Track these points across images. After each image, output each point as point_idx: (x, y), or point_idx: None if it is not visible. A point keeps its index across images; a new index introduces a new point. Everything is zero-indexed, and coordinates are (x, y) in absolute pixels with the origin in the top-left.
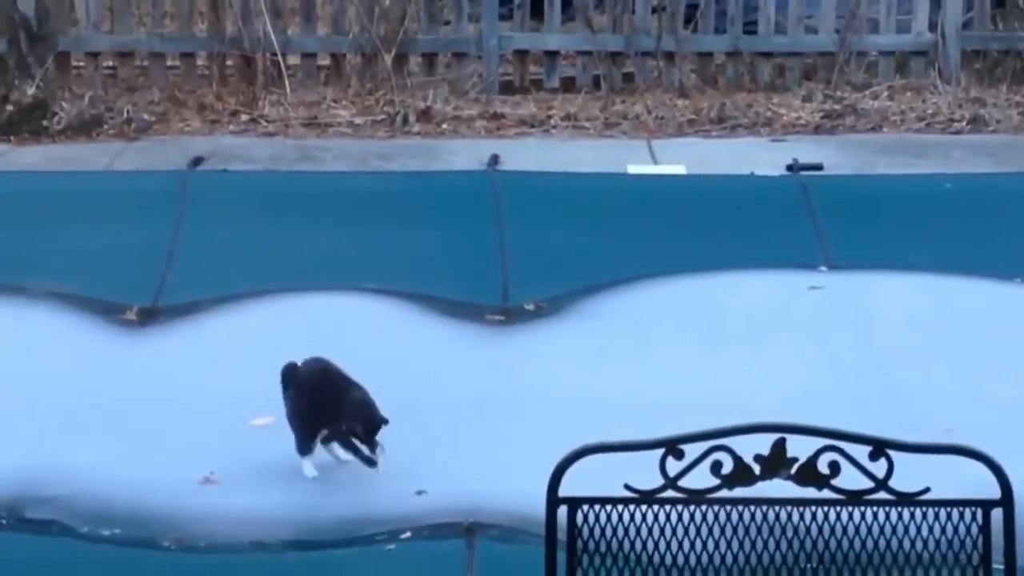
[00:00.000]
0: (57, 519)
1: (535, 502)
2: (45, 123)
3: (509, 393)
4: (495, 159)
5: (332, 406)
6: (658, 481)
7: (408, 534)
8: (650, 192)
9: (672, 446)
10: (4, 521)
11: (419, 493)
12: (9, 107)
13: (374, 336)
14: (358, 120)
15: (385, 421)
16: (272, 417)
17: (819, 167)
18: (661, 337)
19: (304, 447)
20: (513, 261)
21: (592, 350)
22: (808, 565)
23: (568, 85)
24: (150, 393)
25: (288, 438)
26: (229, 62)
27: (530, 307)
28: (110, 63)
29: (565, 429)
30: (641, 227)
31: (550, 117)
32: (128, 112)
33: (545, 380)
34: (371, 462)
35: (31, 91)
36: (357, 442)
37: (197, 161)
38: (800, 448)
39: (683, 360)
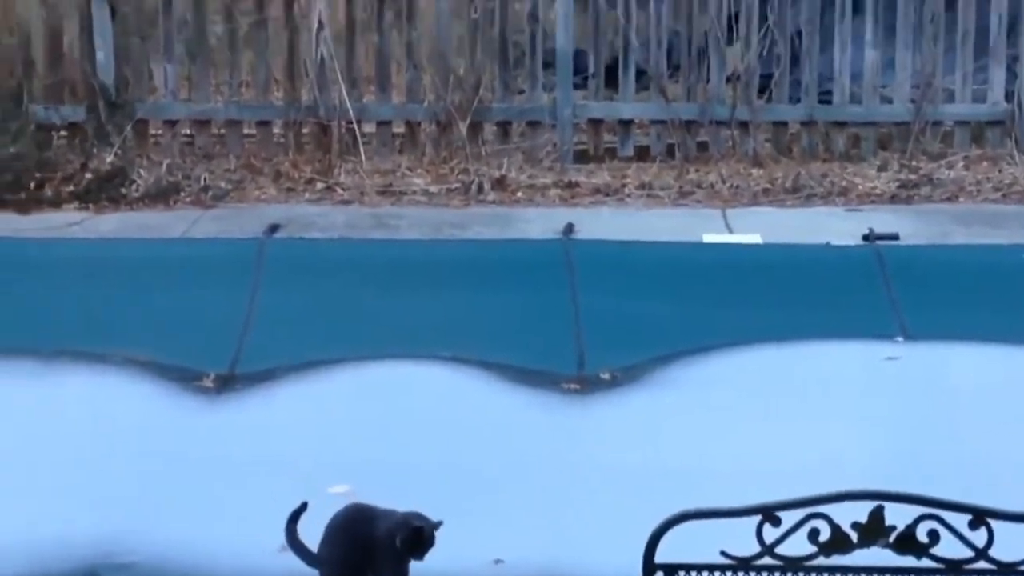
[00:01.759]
0: None
1: (614, 571)
2: (123, 190)
3: (587, 462)
4: (570, 228)
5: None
6: (752, 549)
7: None
8: (725, 261)
9: (769, 513)
10: None
11: (496, 562)
12: (88, 174)
13: (449, 404)
14: (433, 188)
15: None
16: (349, 486)
17: (895, 237)
18: (739, 407)
19: None
20: (588, 330)
21: (670, 419)
22: None
23: (642, 154)
24: (228, 459)
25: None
26: (305, 130)
27: (606, 376)
28: (187, 131)
29: (644, 499)
30: (717, 296)
31: (624, 186)
32: (205, 180)
33: (623, 449)
34: None
35: (109, 159)
36: None
37: (273, 228)
38: (897, 517)
39: (761, 430)
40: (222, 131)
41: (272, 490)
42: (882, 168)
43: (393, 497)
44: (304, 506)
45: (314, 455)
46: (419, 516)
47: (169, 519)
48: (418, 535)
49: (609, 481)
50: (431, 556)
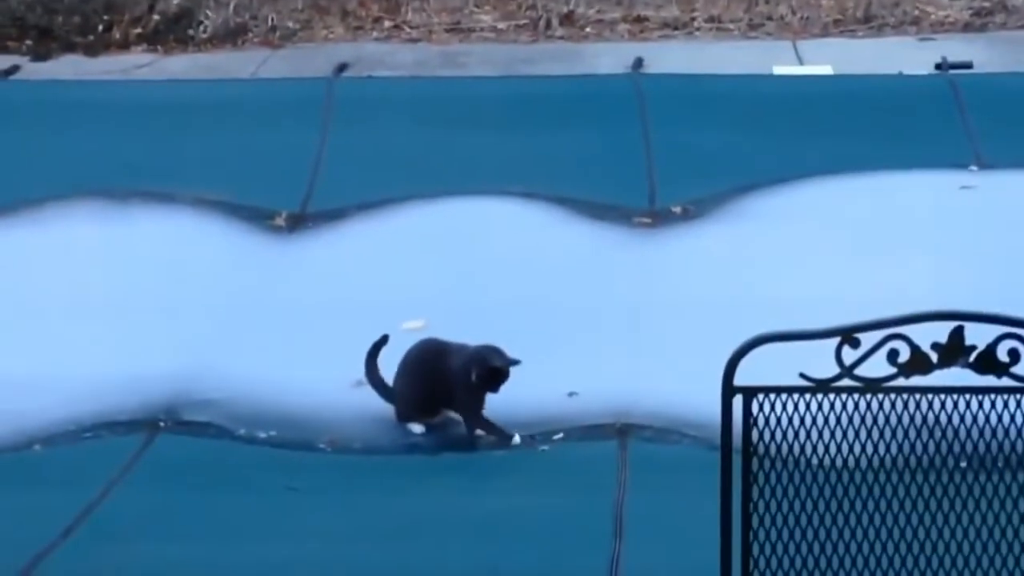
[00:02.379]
0: (213, 421)
1: (687, 403)
2: (191, 32)
3: (658, 295)
4: (639, 62)
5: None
6: (831, 371)
7: (560, 435)
8: (796, 93)
9: (848, 334)
10: (163, 423)
11: (570, 395)
12: (155, 16)
13: (521, 239)
14: (501, 25)
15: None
16: (423, 321)
17: (969, 65)
18: (811, 237)
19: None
20: (659, 164)
21: (741, 251)
22: (987, 454)
23: None
24: (302, 297)
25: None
26: None
27: (677, 209)
28: None
29: (718, 329)
30: (788, 129)
31: (694, 19)
32: (272, 20)
33: (694, 282)
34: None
35: (176, 0)
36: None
37: (342, 68)
38: (977, 337)
39: (833, 260)
40: None
41: (345, 327)
42: None
43: (467, 332)
44: (384, 339)
45: (387, 291)
46: (494, 351)
47: (244, 356)
48: (494, 372)
49: (682, 312)
50: (504, 391)
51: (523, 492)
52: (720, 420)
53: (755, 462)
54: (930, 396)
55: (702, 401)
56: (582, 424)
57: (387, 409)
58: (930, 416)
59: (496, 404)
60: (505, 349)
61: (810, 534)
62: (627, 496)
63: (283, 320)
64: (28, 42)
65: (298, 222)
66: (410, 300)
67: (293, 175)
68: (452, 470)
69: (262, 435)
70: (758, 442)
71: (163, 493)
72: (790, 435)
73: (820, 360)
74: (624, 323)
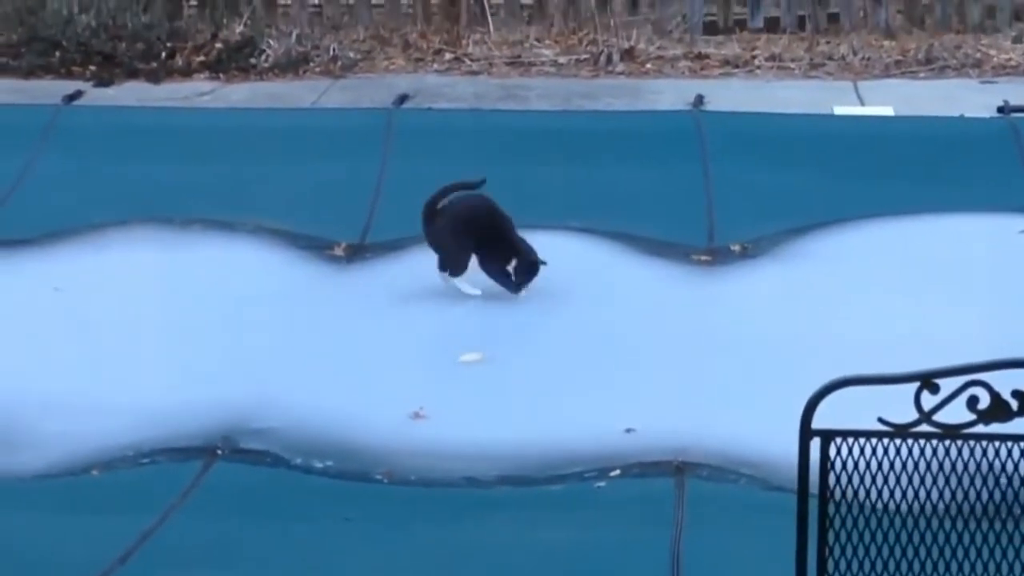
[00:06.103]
0: (270, 450)
1: (745, 441)
2: (253, 61)
3: (716, 334)
4: (700, 99)
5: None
6: (908, 416)
7: (617, 472)
8: (857, 134)
9: (928, 380)
10: (220, 451)
11: (628, 431)
12: (218, 45)
13: (580, 275)
14: (562, 59)
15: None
16: (481, 354)
17: None
18: (870, 279)
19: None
20: (719, 202)
21: (800, 292)
22: None
23: (772, 25)
24: (360, 328)
25: (498, 374)
26: (433, 0)
27: (736, 248)
28: (316, 1)
29: (773, 370)
30: (848, 169)
31: (754, 57)
32: (334, 50)
33: (753, 321)
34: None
35: (239, 29)
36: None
37: (402, 99)
38: None
39: (893, 302)
40: (351, 1)
41: (402, 358)
42: (1018, 40)
43: (525, 365)
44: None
45: (444, 323)
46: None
47: (301, 386)
48: None
49: (740, 351)
50: (562, 427)
51: (580, 528)
52: (782, 460)
53: (831, 507)
54: (1010, 444)
55: (761, 440)
56: (639, 461)
57: (443, 443)
58: (1009, 464)
59: (554, 439)
60: (562, 384)
61: None
62: (684, 534)
63: (341, 351)
64: (92, 68)
65: (357, 253)
66: (468, 332)
67: (353, 205)
68: (509, 504)
69: (319, 465)
70: (834, 486)
71: (219, 521)
72: (867, 480)
73: (894, 401)
74: (682, 361)
